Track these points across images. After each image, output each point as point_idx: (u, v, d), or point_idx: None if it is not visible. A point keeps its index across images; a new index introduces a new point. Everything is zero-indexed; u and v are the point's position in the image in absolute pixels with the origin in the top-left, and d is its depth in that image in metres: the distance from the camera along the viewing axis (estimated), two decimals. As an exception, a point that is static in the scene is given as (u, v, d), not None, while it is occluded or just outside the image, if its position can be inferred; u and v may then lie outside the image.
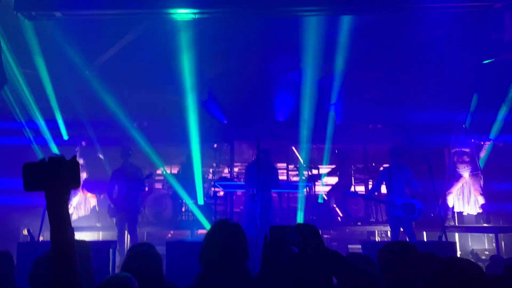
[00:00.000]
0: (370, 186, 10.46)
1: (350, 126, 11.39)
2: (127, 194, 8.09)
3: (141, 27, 8.45)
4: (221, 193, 10.06)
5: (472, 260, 2.54)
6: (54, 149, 9.05)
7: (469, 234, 8.80)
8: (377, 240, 9.13)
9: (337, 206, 10.08)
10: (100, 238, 9.13)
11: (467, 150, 8.48)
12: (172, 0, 6.66)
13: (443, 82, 9.43)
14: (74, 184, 1.52)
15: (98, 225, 9.52)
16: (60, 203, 1.48)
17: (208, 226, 8.94)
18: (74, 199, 9.34)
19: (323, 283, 2.02)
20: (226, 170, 11.41)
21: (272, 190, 8.09)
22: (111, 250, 6.14)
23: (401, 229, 7.57)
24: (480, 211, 8.50)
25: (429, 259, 2.52)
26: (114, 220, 8.25)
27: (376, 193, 8.59)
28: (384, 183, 7.82)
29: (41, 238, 7.02)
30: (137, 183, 8.18)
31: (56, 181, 1.48)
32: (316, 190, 10.33)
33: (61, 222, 1.46)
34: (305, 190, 9.88)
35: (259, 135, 7.24)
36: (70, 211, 9.31)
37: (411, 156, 8.49)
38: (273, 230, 1.91)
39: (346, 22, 8.25)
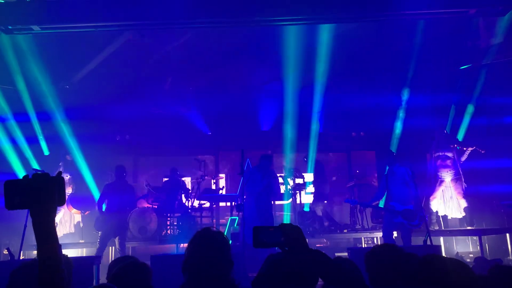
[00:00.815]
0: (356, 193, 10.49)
1: (333, 134, 11.47)
2: (118, 210, 8.09)
3: (120, 40, 8.40)
4: (207, 205, 9.97)
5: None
6: (35, 165, 8.86)
7: (453, 238, 8.89)
8: (364, 246, 9.13)
9: (323, 214, 10.07)
10: (84, 254, 8.95)
11: (450, 154, 8.62)
12: (151, 12, 6.62)
13: (422, 88, 9.58)
14: (60, 201, 1.48)
15: (81, 241, 9.35)
16: (46, 221, 1.44)
17: (193, 238, 8.82)
18: (58, 215, 9.17)
19: (308, 283, 2.00)
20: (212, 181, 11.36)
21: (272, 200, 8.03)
22: (94, 267, 6.03)
23: (395, 234, 7.52)
24: (464, 214, 8.60)
25: (412, 258, 2.53)
26: (99, 233, 8.09)
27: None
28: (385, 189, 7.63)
29: (22, 257, 6.84)
30: (129, 200, 8.27)
31: (42, 198, 1.44)
32: (301, 198, 10.33)
33: (48, 239, 1.42)
34: (290, 198, 9.89)
35: (243, 145, 7.20)
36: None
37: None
38: (257, 230, 1.90)
39: (325, 31, 8.34)
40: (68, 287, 3.05)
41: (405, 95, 9.84)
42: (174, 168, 10.02)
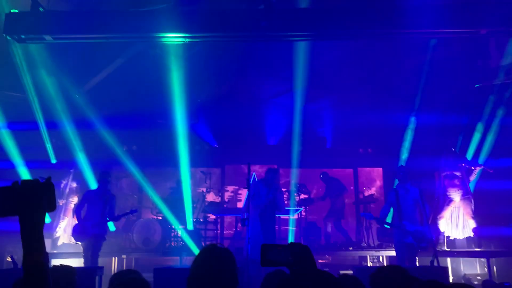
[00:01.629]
0: (361, 210, 10.41)
1: (340, 150, 11.44)
2: (100, 221, 7.50)
3: (131, 51, 8.48)
4: (212, 218, 9.94)
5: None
6: (41, 173, 8.88)
7: (461, 259, 8.74)
8: (369, 265, 9.02)
9: (338, 231, 9.96)
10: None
11: (458, 173, 8.51)
12: (162, 24, 6.69)
13: (432, 106, 9.54)
14: (49, 207, 1.45)
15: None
16: (34, 228, 1.41)
17: (197, 252, 8.77)
18: (62, 223, 9.16)
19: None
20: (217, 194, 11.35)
21: (277, 214, 7.91)
22: (97, 278, 5.99)
23: None
24: (472, 235, 8.47)
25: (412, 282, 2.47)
26: (81, 245, 7.53)
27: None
28: (392, 207, 7.49)
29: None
30: (111, 211, 7.62)
31: (31, 205, 1.41)
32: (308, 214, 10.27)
33: (35, 247, 1.39)
34: (296, 214, 9.83)
35: (249, 159, 7.18)
36: (58, 234, 9.17)
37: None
38: (265, 248, 1.86)
39: (336, 47, 8.37)
40: None
41: (414, 113, 9.78)
42: (179, 180, 10.03)
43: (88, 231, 7.43)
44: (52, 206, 1.46)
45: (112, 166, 9.95)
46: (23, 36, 6.85)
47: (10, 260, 6.35)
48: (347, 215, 10.67)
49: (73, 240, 7.77)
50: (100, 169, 8.20)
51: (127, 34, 6.95)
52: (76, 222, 7.68)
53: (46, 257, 1.41)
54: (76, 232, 7.52)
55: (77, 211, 7.75)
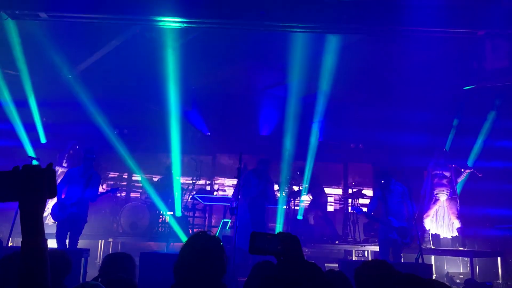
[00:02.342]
0: (349, 205, 10.47)
1: (332, 144, 11.46)
2: (80, 201, 7.12)
3: (127, 33, 8.37)
4: (201, 205, 9.93)
5: (446, 283, 2.53)
6: (30, 152, 8.76)
7: (445, 257, 8.86)
8: (354, 259, 9.10)
9: (326, 223, 10.02)
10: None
11: (447, 174, 8.59)
12: (159, 8, 6.61)
13: (424, 105, 9.57)
14: (50, 194, 1.45)
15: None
16: (34, 214, 1.40)
17: (185, 238, 8.77)
18: (50, 203, 9.07)
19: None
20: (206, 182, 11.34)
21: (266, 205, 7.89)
22: (82, 259, 5.97)
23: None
24: (456, 234, 8.58)
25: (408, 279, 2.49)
26: (56, 224, 7.19)
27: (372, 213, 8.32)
28: (380, 202, 7.60)
29: (10, 244, 6.78)
30: (92, 190, 7.24)
31: (31, 190, 1.40)
32: (295, 206, 10.30)
33: (34, 233, 1.38)
34: (285, 206, 9.85)
35: (241, 148, 7.17)
36: (44, 214, 9.07)
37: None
38: (254, 236, 1.86)
39: (332, 41, 8.34)
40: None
41: (406, 110, 9.81)
42: (169, 166, 10.00)
43: (67, 210, 7.06)
44: (52, 192, 1.45)
45: (103, 148, 9.87)
46: (17, 12, 6.74)
47: (-4, 239, 6.32)
48: (335, 209, 10.75)
49: (51, 220, 7.50)
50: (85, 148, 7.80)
51: (123, 15, 6.89)
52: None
53: (45, 242, 1.40)
54: (55, 210, 7.18)
55: (58, 190, 7.47)
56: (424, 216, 8.71)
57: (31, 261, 1.35)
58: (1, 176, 1.40)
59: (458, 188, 8.81)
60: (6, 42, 7.84)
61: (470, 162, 9.12)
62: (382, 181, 7.53)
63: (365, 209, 7.91)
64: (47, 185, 1.43)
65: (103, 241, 9.07)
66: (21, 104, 9.02)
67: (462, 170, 8.72)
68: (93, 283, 2.46)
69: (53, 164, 1.51)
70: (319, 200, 10.18)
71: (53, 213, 7.24)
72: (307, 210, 10.13)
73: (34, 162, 7.10)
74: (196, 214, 9.67)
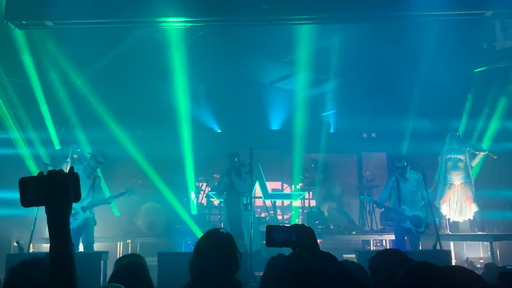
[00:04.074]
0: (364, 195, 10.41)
1: (343, 135, 11.40)
2: (90, 204, 7.05)
3: (133, 36, 8.43)
4: (216, 203, 9.99)
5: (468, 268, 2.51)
6: (46, 159, 8.89)
7: (464, 243, 8.76)
8: (372, 249, 9.07)
9: (341, 215, 10.00)
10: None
11: (462, 157, 8.47)
12: (163, 9, 6.63)
13: (436, 90, 9.46)
14: (75, 197, 1.48)
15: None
16: (62, 218, 1.43)
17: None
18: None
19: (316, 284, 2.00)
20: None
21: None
22: (102, 262, 6.06)
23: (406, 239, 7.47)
24: (472, 218, 8.49)
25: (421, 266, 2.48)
26: None
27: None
28: (393, 191, 7.54)
29: (31, 249, 6.90)
30: (100, 193, 7.22)
31: (57, 195, 1.43)
32: (310, 199, 10.31)
33: (62, 237, 1.42)
34: (299, 200, 9.87)
35: (252, 144, 7.17)
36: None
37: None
38: (270, 229, 1.91)
39: (339, 30, 8.29)
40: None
41: (418, 96, 9.70)
42: (183, 165, 10.06)
43: (79, 216, 6.92)
44: (77, 196, 1.49)
45: (116, 151, 9.96)
46: (24, 22, 6.83)
47: (17, 245, 6.44)
48: (350, 199, 10.70)
49: None
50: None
51: (127, 19, 6.93)
52: None
53: (72, 247, 1.43)
54: None
55: None
56: (441, 202, 8.62)
57: (59, 265, 1.38)
58: (26, 182, 1.44)
59: (474, 171, 8.70)
60: (16, 52, 7.97)
61: (484, 145, 8.99)
62: (398, 166, 7.44)
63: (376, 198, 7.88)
64: (71, 189, 1.47)
65: (121, 242, 9.19)
66: (34, 112, 9.15)
67: (477, 153, 8.59)
68: (116, 285, 2.51)
69: (74, 169, 1.56)
70: (333, 191, 10.15)
71: None
72: (322, 202, 10.12)
73: (49, 169, 7.19)
74: (212, 212, 9.74)
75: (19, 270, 2.39)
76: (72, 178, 1.48)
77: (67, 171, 1.49)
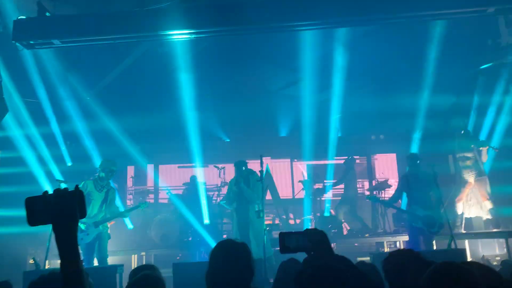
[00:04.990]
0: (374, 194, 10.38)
1: (353, 138, 11.38)
2: (104, 219, 7.00)
3: (138, 51, 8.54)
4: (228, 211, 10.01)
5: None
6: (58, 176, 9.00)
7: (479, 240, 8.68)
8: (386, 251, 9.01)
9: (354, 219, 9.97)
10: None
11: (470, 155, 8.43)
12: (168, 22, 6.71)
13: (442, 89, 9.44)
14: (81, 214, 1.52)
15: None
16: (69, 236, 1.47)
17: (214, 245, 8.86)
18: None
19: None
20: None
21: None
22: (117, 275, 6.09)
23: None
24: (488, 216, 8.41)
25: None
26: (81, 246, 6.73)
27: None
28: (404, 192, 7.50)
29: (47, 266, 6.97)
30: (115, 206, 7.20)
31: (63, 213, 1.47)
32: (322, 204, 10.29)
33: (71, 254, 1.45)
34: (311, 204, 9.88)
35: (261, 151, 7.19)
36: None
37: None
38: (283, 236, 1.92)
39: (343, 33, 8.31)
40: None
41: (425, 95, 9.67)
42: (194, 176, 10.12)
43: (91, 230, 6.87)
44: (83, 213, 1.52)
45: (127, 163, 10.06)
46: (31, 42, 6.92)
47: (33, 262, 6.50)
48: (362, 202, 10.66)
49: None
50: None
51: (133, 34, 6.99)
52: None
53: (81, 263, 1.46)
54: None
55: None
56: (456, 200, 8.56)
57: (71, 282, 1.42)
58: (32, 201, 1.48)
59: (486, 167, 8.63)
60: (24, 72, 8.10)
61: (490, 140, 8.92)
62: (410, 165, 7.41)
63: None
64: (77, 207, 1.50)
65: (136, 255, 9.24)
66: (45, 130, 9.29)
67: (481, 149, 8.53)
68: None
69: (79, 186, 1.58)
70: (350, 195, 10.13)
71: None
72: (338, 206, 10.10)
73: (62, 185, 7.30)
74: (224, 221, 9.77)
75: (38, 285, 2.45)
76: (77, 196, 1.51)
77: (74, 189, 1.53)
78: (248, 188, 7.43)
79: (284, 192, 11.19)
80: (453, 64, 8.96)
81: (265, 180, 7.11)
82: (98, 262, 7.01)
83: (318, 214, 10.04)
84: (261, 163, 6.93)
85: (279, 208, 10.33)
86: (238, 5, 6.72)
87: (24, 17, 6.84)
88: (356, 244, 9.52)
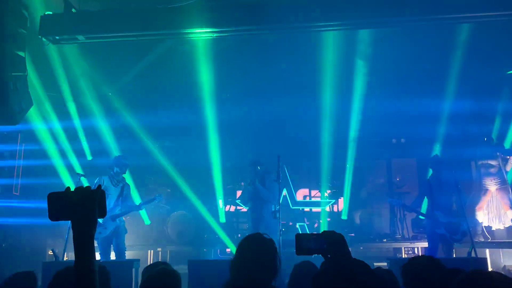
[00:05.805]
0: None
1: (373, 141, 11.23)
2: (121, 212, 7.20)
3: (160, 48, 8.59)
4: (244, 210, 10.01)
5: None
6: (78, 169, 9.14)
7: (500, 250, 8.47)
8: (404, 256, 8.88)
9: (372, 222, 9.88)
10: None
11: (494, 163, 8.24)
12: (190, 20, 6.74)
13: (467, 94, 9.24)
14: (100, 213, 1.53)
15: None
16: (86, 235, 1.48)
17: (230, 244, 8.89)
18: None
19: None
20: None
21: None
22: (133, 270, 6.16)
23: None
24: (509, 225, 8.20)
25: (455, 274, 2.42)
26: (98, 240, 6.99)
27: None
28: (426, 197, 7.37)
29: (65, 258, 7.08)
30: (131, 200, 7.39)
31: (83, 211, 1.48)
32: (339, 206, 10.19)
33: (86, 254, 1.46)
34: (327, 207, 9.78)
35: (279, 152, 7.15)
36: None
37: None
38: (299, 237, 1.89)
39: (366, 35, 8.20)
40: None
41: (448, 100, 9.48)
42: (210, 174, 10.14)
43: (109, 224, 7.05)
44: (102, 213, 1.54)
45: (146, 161, 10.13)
46: (57, 37, 7.08)
47: (52, 253, 6.62)
48: (381, 207, 10.51)
49: None
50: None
51: (156, 31, 7.07)
52: None
53: (95, 263, 1.47)
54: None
55: None
56: (476, 208, 8.38)
57: (83, 280, 1.43)
58: (54, 196, 1.50)
59: (510, 176, 8.42)
60: (49, 66, 8.25)
61: None
62: (432, 172, 7.28)
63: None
64: (97, 206, 1.51)
65: (152, 251, 9.32)
66: (67, 124, 9.43)
67: (508, 157, 8.32)
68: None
69: (101, 186, 1.61)
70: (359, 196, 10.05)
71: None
72: (354, 210, 10.00)
73: (82, 179, 7.42)
74: (240, 220, 9.77)
75: (63, 276, 2.48)
76: (99, 195, 1.52)
77: (96, 189, 1.54)
78: (264, 188, 7.42)
79: (301, 193, 11.11)
80: (478, 68, 8.77)
81: (282, 180, 7.07)
82: (116, 256, 7.13)
83: (333, 218, 9.96)
84: (278, 163, 6.90)
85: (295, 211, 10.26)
86: (262, 4, 6.70)
87: (50, 12, 6.98)
88: (373, 249, 9.39)
